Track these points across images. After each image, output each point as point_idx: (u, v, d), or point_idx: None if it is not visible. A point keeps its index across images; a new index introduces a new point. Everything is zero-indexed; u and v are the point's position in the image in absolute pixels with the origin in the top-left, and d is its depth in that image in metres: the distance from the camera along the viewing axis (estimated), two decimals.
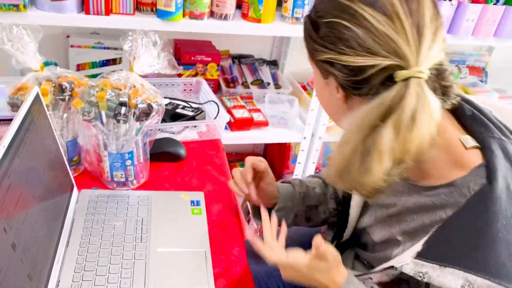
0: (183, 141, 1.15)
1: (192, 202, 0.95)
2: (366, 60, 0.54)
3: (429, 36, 0.54)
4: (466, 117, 0.64)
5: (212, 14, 1.32)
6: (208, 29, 1.30)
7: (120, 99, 0.87)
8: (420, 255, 0.59)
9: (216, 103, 1.26)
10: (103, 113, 0.88)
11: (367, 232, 0.80)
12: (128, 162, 0.95)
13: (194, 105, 1.28)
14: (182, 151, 1.09)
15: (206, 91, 1.36)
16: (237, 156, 2.00)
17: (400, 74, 0.53)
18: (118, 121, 0.88)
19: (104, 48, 1.50)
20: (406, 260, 0.60)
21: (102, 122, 0.89)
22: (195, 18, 1.28)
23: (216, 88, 1.66)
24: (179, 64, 1.59)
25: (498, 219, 0.55)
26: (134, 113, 0.88)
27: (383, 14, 0.54)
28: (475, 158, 0.61)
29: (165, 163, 1.07)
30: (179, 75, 1.59)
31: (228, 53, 1.74)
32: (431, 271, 0.57)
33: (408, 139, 0.52)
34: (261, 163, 0.90)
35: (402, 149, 0.53)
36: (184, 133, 1.17)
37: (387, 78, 0.54)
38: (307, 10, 1.38)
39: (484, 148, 0.61)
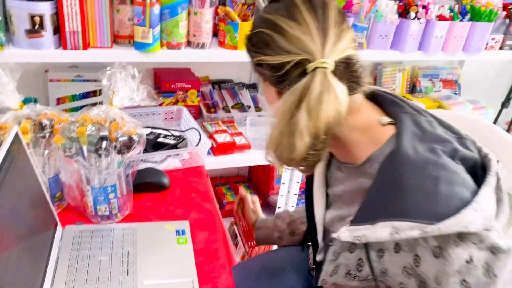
0: (166, 170, 1.15)
1: (177, 231, 0.95)
2: (283, 58, 0.67)
3: (333, 36, 0.66)
4: (385, 102, 0.76)
5: (189, 43, 1.34)
6: (186, 58, 1.33)
7: (101, 133, 0.88)
8: (353, 222, 0.69)
9: (197, 130, 1.28)
10: (84, 148, 0.89)
11: (333, 232, 0.83)
12: (112, 195, 0.95)
13: (175, 133, 1.29)
14: (165, 181, 1.09)
15: (187, 118, 1.38)
16: (222, 180, 2.01)
17: (309, 66, 0.65)
18: (100, 155, 0.89)
19: (84, 80, 1.51)
20: (342, 230, 0.69)
21: (83, 157, 0.90)
22: (173, 48, 1.30)
23: (198, 114, 1.67)
24: (159, 93, 1.61)
25: (408, 170, 0.65)
26: (115, 146, 0.89)
27: (293, 21, 0.67)
28: (389, 131, 0.72)
29: (149, 193, 1.07)
30: (160, 104, 1.60)
31: (207, 79, 1.77)
32: (365, 232, 0.66)
33: (318, 117, 0.65)
34: (245, 192, 1.18)
35: (315, 125, 0.65)
36: (166, 162, 1.18)
37: (303, 72, 0.66)
38: None
39: (396, 122, 0.72)
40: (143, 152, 1.13)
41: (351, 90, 0.69)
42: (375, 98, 0.77)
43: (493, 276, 0.60)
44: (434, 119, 0.75)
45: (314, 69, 0.65)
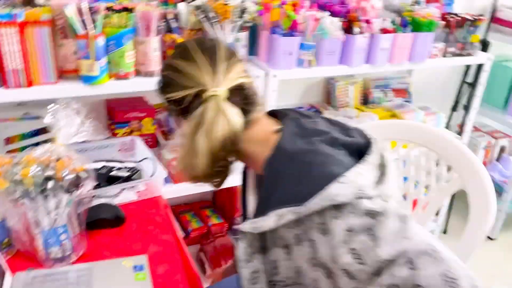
0: (122, 203, 1.12)
1: (135, 267, 0.92)
2: (182, 93, 0.80)
3: (223, 69, 0.80)
4: (279, 115, 0.87)
5: (138, 72, 1.33)
6: (135, 88, 1.31)
7: (46, 173, 0.85)
8: (254, 216, 0.78)
9: (151, 160, 1.25)
10: (29, 190, 0.85)
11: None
12: (63, 236, 0.91)
13: (130, 164, 1.26)
14: (120, 215, 1.06)
15: (142, 148, 1.35)
16: (187, 207, 1.98)
17: (204, 96, 0.78)
18: (46, 196, 0.85)
19: (33, 118, 1.46)
20: (245, 223, 0.79)
21: (30, 200, 0.86)
22: (121, 79, 1.29)
23: (155, 142, 1.65)
24: (113, 124, 1.58)
25: (284, 162, 0.75)
26: (62, 185, 0.86)
27: (187, 61, 0.81)
28: (278, 137, 0.81)
29: (104, 229, 1.04)
30: (114, 135, 1.57)
31: (162, 105, 1.75)
32: (262, 223, 0.75)
33: (213, 138, 0.77)
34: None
35: (212, 145, 0.78)
36: (122, 195, 1.15)
37: (201, 102, 0.79)
38: None
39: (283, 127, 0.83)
40: (97, 187, 1.11)
41: (246, 111, 0.81)
42: (275, 113, 0.89)
43: (376, 238, 0.66)
44: (323, 119, 0.86)
45: (208, 98, 0.78)
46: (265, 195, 0.79)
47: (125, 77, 1.29)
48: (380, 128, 1.27)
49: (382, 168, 0.79)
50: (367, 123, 1.30)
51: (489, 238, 2.38)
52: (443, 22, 1.76)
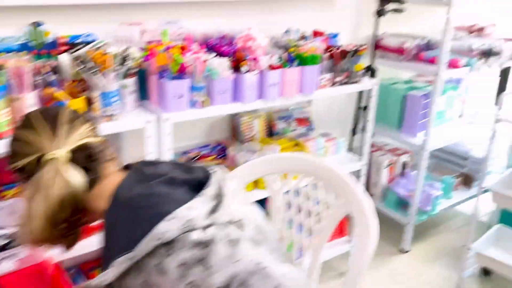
0: (1, 275, 1.03)
1: None
2: (25, 160, 0.80)
3: (64, 132, 0.81)
4: (130, 167, 0.89)
5: None
6: None
7: None
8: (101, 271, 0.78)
9: None
10: None
11: None
12: None
13: (13, 230, 1.17)
14: None
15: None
16: (96, 263, 1.87)
17: (42, 160, 0.79)
18: None
19: None
20: (95, 278, 0.77)
21: None
22: None
23: None
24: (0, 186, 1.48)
25: (118, 210, 0.77)
26: None
27: (27, 129, 0.82)
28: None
29: None
30: (3, 197, 1.47)
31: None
32: (104, 276, 0.74)
33: (50, 202, 0.76)
34: None
35: (48, 208, 0.76)
36: (0, 266, 1.06)
37: (41, 167, 0.78)
38: (117, 106, 1.40)
39: None
40: None
41: (92, 170, 0.83)
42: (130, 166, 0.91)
43: (209, 267, 0.69)
44: (167, 163, 0.89)
45: (47, 161, 0.78)
46: (105, 248, 0.80)
47: (0, 137, 1.21)
48: (271, 162, 1.30)
49: (219, 197, 0.82)
50: (259, 158, 1.32)
51: (403, 251, 2.50)
52: (328, 55, 1.87)
